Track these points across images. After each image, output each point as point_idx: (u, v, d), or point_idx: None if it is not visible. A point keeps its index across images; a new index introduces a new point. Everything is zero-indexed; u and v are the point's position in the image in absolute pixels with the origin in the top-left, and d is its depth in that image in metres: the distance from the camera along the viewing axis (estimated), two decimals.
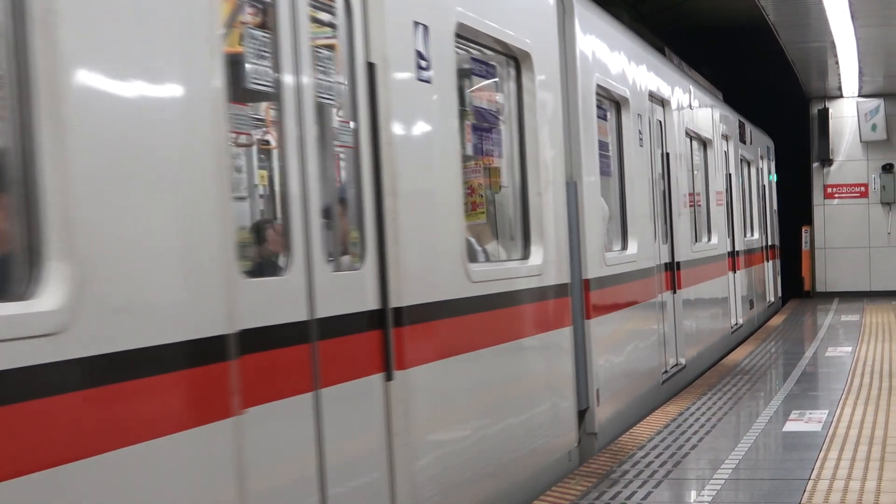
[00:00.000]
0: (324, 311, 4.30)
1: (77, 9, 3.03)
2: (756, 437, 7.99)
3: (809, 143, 23.12)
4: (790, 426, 8.33)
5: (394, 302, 4.81)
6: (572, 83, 7.65)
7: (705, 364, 12.09)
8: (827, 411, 8.86)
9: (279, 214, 4.27)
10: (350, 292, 4.56)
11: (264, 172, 4.46)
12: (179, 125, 3.52)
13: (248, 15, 4.21)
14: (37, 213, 2.94)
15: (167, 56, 3.46)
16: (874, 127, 22.30)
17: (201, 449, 3.54)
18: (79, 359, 3.01)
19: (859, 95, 22.26)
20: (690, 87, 12.55)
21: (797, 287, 23.40)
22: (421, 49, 5.23)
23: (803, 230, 23.28)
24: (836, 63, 18.31)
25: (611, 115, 9.02)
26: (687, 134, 12.12)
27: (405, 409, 4.86)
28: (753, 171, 18.17)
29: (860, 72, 19.35)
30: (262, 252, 4.31)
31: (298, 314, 4.17)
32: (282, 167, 4.21)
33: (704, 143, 13.38)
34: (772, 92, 21.56)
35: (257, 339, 3.85)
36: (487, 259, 6.44)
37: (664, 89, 10.96)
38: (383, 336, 4.75)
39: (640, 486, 6.58)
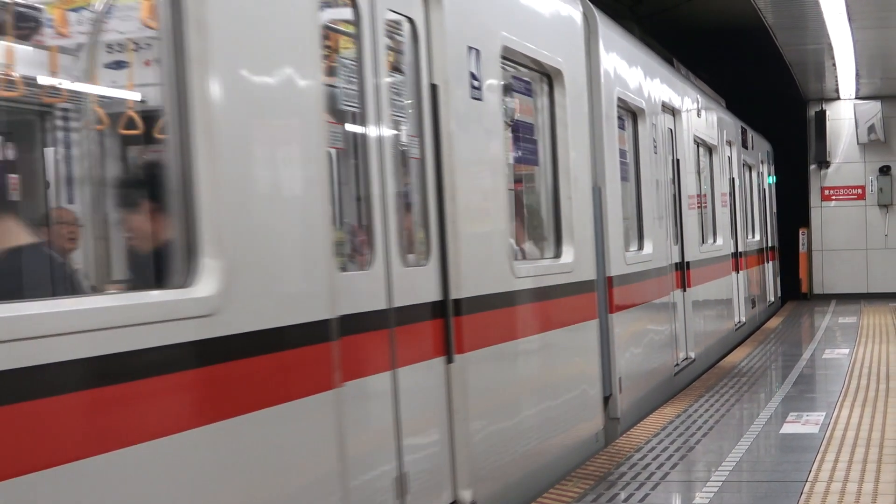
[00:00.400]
0: (399, 301, 4.97)
1: (224, 59, 3.80)
2: (753, 439, 7.99)
3: (807, 145, 23.13)
4: (788, 428, 8.33)
5: (453, 294, 5.46)
6: (597, 97, 8.32)
7: (712, 359, 12.70)
8: (824, 413, 8.86)
9: (364, 218, 4.90)
10: (418, 285, 5.22)
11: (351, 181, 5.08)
12: (297, 146, 4.24)
13: (340, 45, 4.92)
14: (194, 221, 3.65)
15: (288, 92, 4.18)
16: (871, 129, 22.34)
17: (314, 415, 4.23)
18: (225, 336, 3.70)
19: (856, 97, 22.28)
20: (698, 96, 13.20)
21: (795, 289, 23.42)
22: (474, 70, 5.89)
23: (801, 232, 23.29)
24: (834, 65, 18.33)
25: (628, 125, 9.63)
26: (695, 141, 12.78)
27: (463, 389, 5.49)
28: (755, 175, 18.75)
29: (857, 74, 19.37)
30: (351, 250, 4.93)
31: (380, 303, 4.84)
32: (365, 177, 4.86)
33: (710, 149, 13.99)
34: (769, 94, 21.57)
35: (350, 324, 4.49)
36: (524, 257, 6.98)
37: (675, 99, 11.63)
38: (444, 324, 5.41)
39: (637, 489, 6.58)
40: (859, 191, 22.86)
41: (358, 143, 4.94)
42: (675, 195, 11.38)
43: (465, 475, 5.48)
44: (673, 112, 11.56)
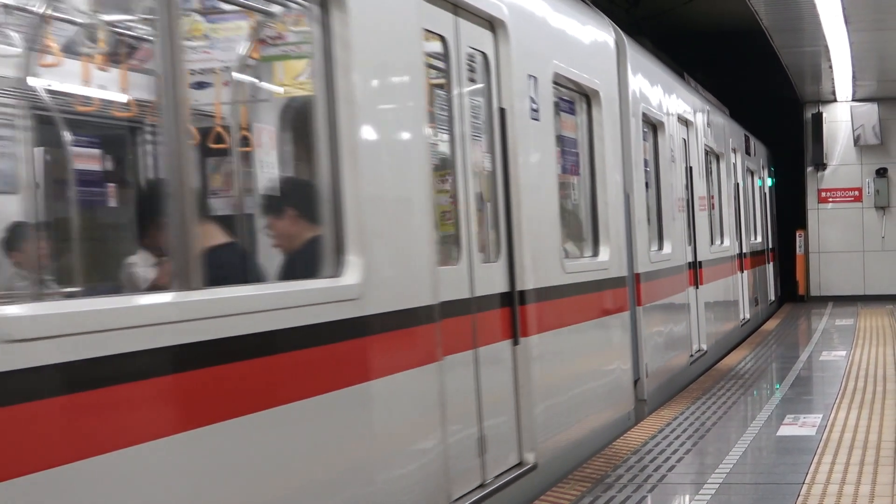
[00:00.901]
0: (478, 291, 5.90)
1: (362, 95, 4.73)
2: (750, 441, 7.99)
3: (803, 148, 23.14)
4: (784, 430, 8.34)
5: (518, 286, 6.38)
6: (625, 113, 9.33)
7: (722, 351, 13.76)
8: (821, 415, 8.87)
9: (456, 220, 5.80)
10: (492, 278, 6.13)
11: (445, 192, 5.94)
12: (416, 163, 5.22)
13: (436, 79, 5.82)
14: (342, 225, 4.61)
15: (405, 118, 5.17)
16: (858, 138, 22.39)
17: (425, 381, 5.19)
18: (367, 315, 4.68)
19: (853, 100, 22.30)
20: (707, 108, 14.25)
21: (792, 291, 23.44)
22: (532, 95, 6.83)
23: (798, 234, 23.30)
24: (830, 67, 18.34)
25: (650, 136, 10.67)
26: (705, 149, 13.81)
27: (526, 367, 6.42)
28: (757, 179, 19.63)
29: (854, 76, 19.38)
30: (443, 248, 5.70)
31: (465, 293, 5.76)
32: (453, 188, 5.79)
33: (717, 157, 14.99)
34: (766, 96, 21.59)
35: (446, 309, 5.41)
36: (567, 256, 7.71)
37: (688, 112, 12.72)
38: (511, 312, 6.32)
39: (634, 491, 6.58)
40: (856, 193, 22.87)
41: (447, 158, 5.82)
42: (688, 200, 12.33)
43: (529, 440, 6.39)
44: (686, 123, 12.58)
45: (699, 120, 13.36)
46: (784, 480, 6.71)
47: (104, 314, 3.33)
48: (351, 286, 4.58)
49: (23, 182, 4.35)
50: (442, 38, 5.71)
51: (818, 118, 22.75)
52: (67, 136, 4.57)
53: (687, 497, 6.50)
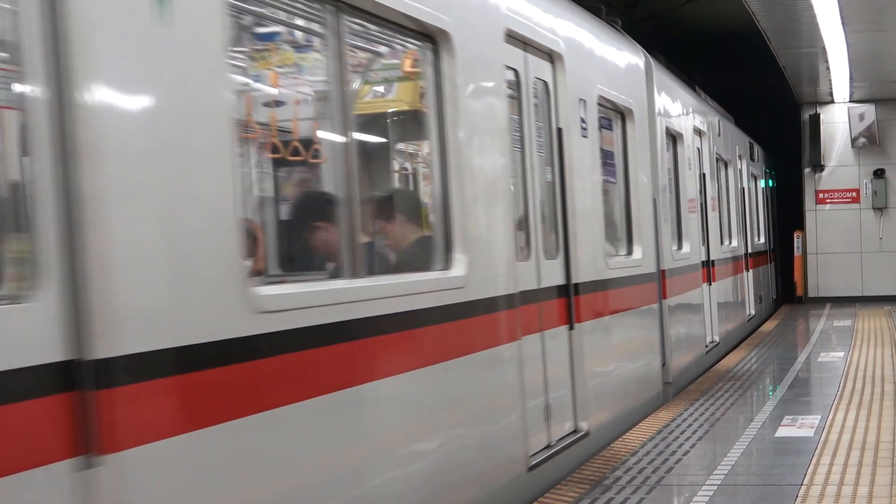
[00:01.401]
0: (544, 283, 7.06)
1: (463, 121, 5.83)
2: (748, 442, 8.00)
3: (801, 149, 23.14)
4: (783, 431, 8.34)
5: (573, 280, 7.55)
6: (652, 128, 10.48)
7: (732, 343, 15.05)
8: (819, 416, 8.87)
9: (526, 224, 6.92)
10: (552, 272, 7.28)
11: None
12: (502, 177, 6.39)
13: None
14: (451, 227, 5.71)
15: (495, 143, 6.32)
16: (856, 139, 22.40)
17: (510, 355, 6.35)
18: (471, 300, 5.84)
19: (850, 101, 22.30)
20: (717, 119, 15.34)
21: (790, 292, 23.45)
22: (582, 116, 8.03)
23: (795, 235, 23.30)
24: (828, 69, 18.33)
25: (670, 147, 11.72)
26: (716, 156, 14.84)
27: (580, 349, 7.59)
28: (760, 184, 20.41)
29: (851, 77, 19.39)
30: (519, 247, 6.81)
31: (534, 284, 6.89)
32: (524, 197, 6.94)
33: (726, 163, 15.98)
34: (764, 98, 21.58)
35: (521, 298, 6.51)
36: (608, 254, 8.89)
37: (702, 124, 13.81)
38: (567, 301, 7.47)
39: (632, 493, 6.59)
40: (854, 194, 22.86)
41: (518, 172, 6.86)
42: (702, 204, 13.39)
43: (582, 411, 7.54)
44: (700, 134, 13.68)
45: (711, 130, 14.48)
46: (782, 481, 6.72)
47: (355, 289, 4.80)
48: (455, 278, 5.69)
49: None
50: (515, 71, 6.90)
51: (815, 119, 22.74)
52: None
53: (685, 498, 6.50)
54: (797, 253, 23.24)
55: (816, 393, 10.66)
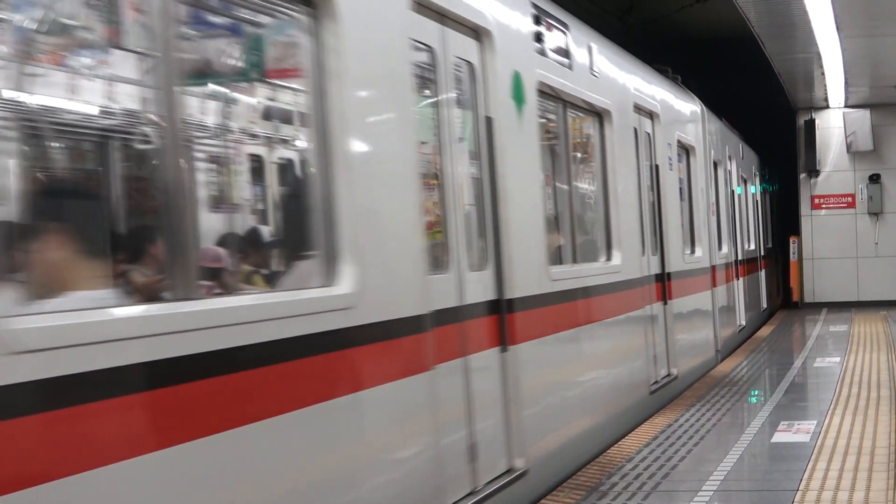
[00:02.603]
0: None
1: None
2: (744, 448, 7.99)
3: (797, 154, 23.15)
4: (779, 437, 8.33)
5: (666, 269, 10.43)
6: (707, 161, 13.77)
7: (752, 329, 17.91)
8: (815, 422, 8.86)
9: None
10: (648, 265, 9.62)
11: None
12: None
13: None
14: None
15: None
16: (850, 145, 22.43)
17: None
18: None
19: (846, 106, 22.31)
20: (735, 138, 17.86)
21: (786, 297, 23.44)
22: (670, 155, 11.22)
23: (791, 241, 23.32)
24: (823, 74, 18.34)
25: (683, 160, 13.03)
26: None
27: (672, 321, 10.60)
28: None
29: (846, 83, 19.40)
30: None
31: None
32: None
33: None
34: (759, 103, 21.59)
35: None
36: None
37: (720, 147, 15.71)
38: (663, 286, 9.61)
39: (628, 499, 6.57)
40: (849, 199, 22.87)
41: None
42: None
43: (673, 359, 10.05)
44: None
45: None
46: (778, 487, 6.71)
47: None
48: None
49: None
50: (636, 130, 9.61)
51: (811, 125, 22.76)
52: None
53: None
54: (793, 258, 23.25)
55: (812, 398, 10.66)
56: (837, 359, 13.43)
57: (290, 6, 4.62)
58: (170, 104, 3.75)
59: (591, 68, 8.74)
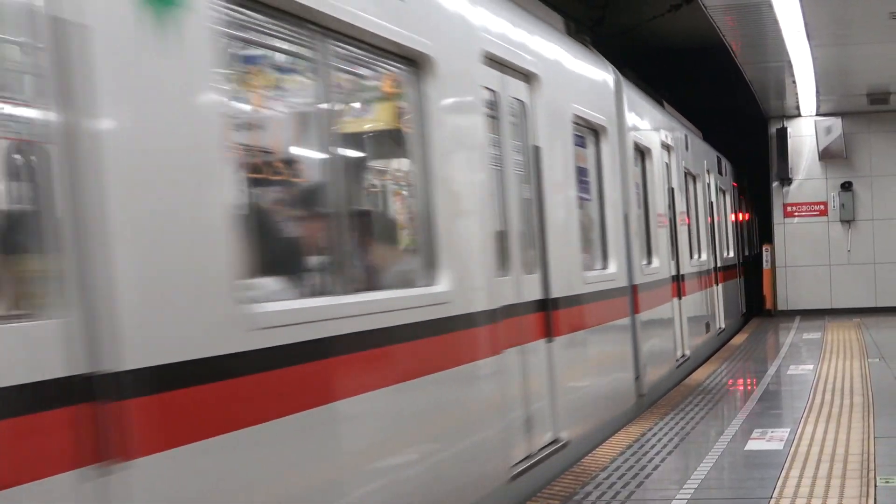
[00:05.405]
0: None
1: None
2: (718, 456, 8.00)
3: (769, 163, 23.25)
4: (752, 445, 8.35)
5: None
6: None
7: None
8: (789, 429, 8.89)
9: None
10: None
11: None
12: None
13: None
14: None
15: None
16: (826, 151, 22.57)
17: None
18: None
19: (817, 114, 22.44)
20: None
21: (759, 305, 23.53)
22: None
23: (764, 249, 23.41)
24: (794, 83, 18.44)
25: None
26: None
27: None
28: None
29: (817, 91, 19.50)
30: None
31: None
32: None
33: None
34: (731, 112, 21.68)
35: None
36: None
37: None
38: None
39: None
40: (822, 207, 22.98)
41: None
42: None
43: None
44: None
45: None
46: (752, 495, 6.72)
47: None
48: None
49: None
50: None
51: (783, 133, 22.87)
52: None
53: None
54: (766, 266, 23.34)
55: (786, 406, 10.69)
56: (811, 366, 13.47)
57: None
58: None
59: None
